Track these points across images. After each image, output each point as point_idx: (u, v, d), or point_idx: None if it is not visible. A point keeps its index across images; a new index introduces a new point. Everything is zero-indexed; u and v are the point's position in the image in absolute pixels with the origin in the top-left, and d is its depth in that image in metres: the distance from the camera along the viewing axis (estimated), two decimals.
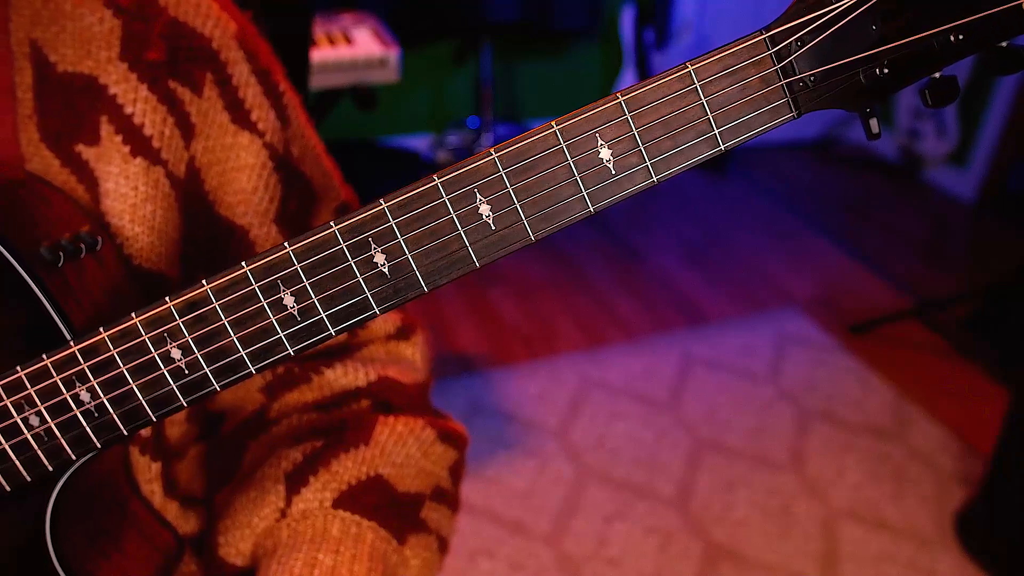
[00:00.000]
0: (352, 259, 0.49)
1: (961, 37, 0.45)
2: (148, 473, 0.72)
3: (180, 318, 0.50)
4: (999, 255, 3.41)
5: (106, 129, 0.65)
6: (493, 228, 0.49)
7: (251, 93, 0.71)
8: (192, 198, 0.70)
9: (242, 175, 0.71)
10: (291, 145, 0.75)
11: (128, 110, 0.65)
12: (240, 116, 0.70)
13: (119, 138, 0.65)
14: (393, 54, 2.42)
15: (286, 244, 0.49)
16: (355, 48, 2.42)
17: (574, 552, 1.98)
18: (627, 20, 3.87)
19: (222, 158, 0.70)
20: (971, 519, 2.03)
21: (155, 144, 0.66)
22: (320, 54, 2.35)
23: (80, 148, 0.64)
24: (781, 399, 2.50)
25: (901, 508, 2.13)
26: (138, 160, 0.65)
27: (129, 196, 0.65)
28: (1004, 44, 0.45)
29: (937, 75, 0.47)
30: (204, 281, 0.50)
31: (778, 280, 3.15)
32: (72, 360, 0.52)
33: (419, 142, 3.99)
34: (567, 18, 3.59)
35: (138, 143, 0.65)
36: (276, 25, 0.81)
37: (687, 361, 2.66)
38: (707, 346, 2.73)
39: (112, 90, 0.65)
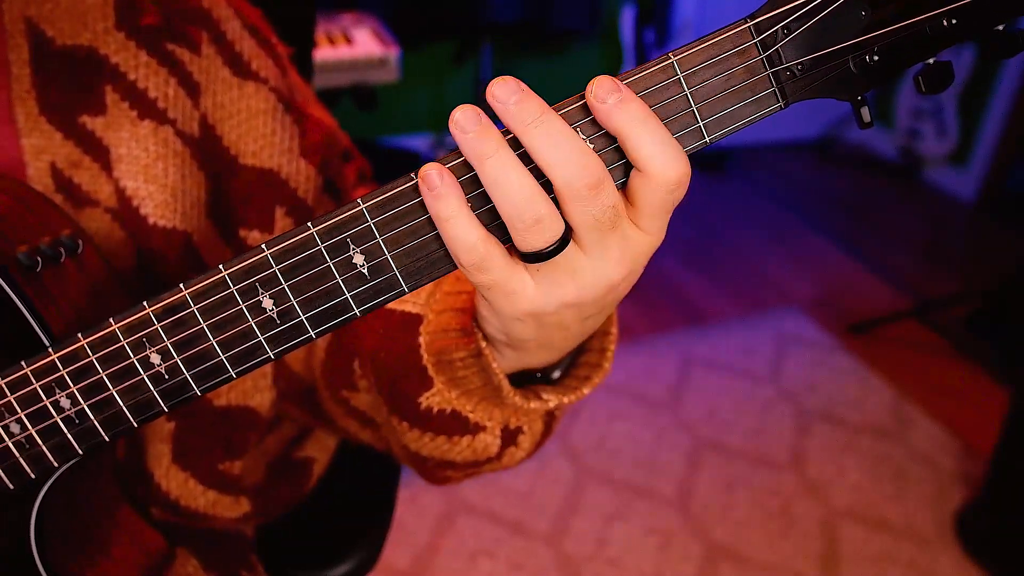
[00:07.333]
0: (331, 260, 0.48)
1: (955, 21, 0.42)
2: (160, 431, 0.71)
3: (159, 323, 0.50)
4: (999, 255, 3.39)
5: (111, 97, 0.67)
6: None
7: (247, 46, 0.73)
8: (212, 155, 0.72)
9: (257, 121, 0.73)
10: (293, 93, 0.77)
11: (131, 76, 0.67)
12: (241, 68, 0.73)
13: (126, 104, 0.67)
14: (393, 54, 2.41)
15: (263, 246, 0.48)
16: (355, 48, 2.42)
17: (574, 552, 1.97)
18: (627, 20, 3.86)
19: (233, 111, 0.72)
20: (971, 519, 2.02)
21: (160, 105, 0.68)
22: (320, 54, 2.34)
23: (84, 119, 0.66)
24: (781, 399, 2.49)
25: (901, 508, 2.12)
26: (146, 123, 0.67)
27: (141, 157, 0.67)
28: (1000, 28, 0.43)
29: (931, 60, 0.44)
30: (182, 285, 0.49)
31: (778, 280, 3.14)
32: (52, 367, 0.52)
33: (419, 142, 3.98)
34: (567, 18, 3.57)
35: (144, 107, 0.67)
36: (277, 25, 0.82)
37: (687, 361, 2.65)
38: (707, 346, 2.72)
39: (113, 59, 0.67)
